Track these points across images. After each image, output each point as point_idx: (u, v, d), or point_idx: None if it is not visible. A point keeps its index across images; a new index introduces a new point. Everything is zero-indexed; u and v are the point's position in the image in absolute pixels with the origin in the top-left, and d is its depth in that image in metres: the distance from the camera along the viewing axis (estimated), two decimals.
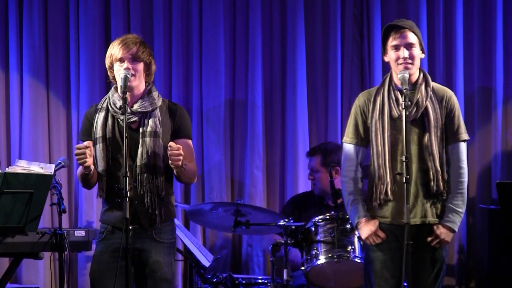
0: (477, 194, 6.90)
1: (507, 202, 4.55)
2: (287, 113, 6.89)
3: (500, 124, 6.88)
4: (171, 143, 4.35)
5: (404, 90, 4.48)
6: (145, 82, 4.55)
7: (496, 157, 6.87)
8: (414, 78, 4.64)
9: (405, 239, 4.38)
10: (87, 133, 4.56)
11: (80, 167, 4.44)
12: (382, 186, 4.59)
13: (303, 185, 6.72)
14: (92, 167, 4.41)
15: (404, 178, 4.41)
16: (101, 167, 4.47)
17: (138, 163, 4.44)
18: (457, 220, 4.61)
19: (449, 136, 4.65)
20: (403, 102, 4.47)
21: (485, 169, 6.92)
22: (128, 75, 4.41)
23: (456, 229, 4.62)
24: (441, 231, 4.59)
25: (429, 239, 4.58)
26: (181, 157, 4.33)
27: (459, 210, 4.61)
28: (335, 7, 6.91)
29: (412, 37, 4.62)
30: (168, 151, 4.34)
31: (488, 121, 6.94)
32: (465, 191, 4.65)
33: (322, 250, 5.41)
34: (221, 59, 6.81)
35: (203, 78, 6.82)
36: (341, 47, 6.94)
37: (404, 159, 4.42)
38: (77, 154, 4.33)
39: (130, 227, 4.38)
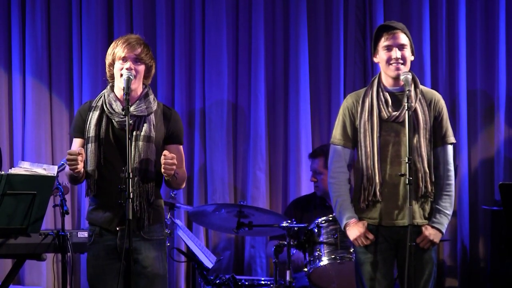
0: (480, 195, 6.89)
1: (509, 204, 4.55)
2: (289, 115, 6.89)
3: (502, 125, 6.88)
4: (166, 152, 4.34)
5: (407, 91, 4.48)
6: (142, 84, 4.55)
7: (499, 158, 6.86)
8: None
9: (408, 240, 4.38)
10: (79, 130, 4.54)
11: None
12: (370, 187, 4.58)
13: (306, 187, 6.72)
14: (82, 170, 4.39)
15: (407, 180, 4.41)
16: (91, 166, 4.44)
17: (130, 166, 4.43)
18: (444, 222, 4.60)
19: (437, 139, 4.65)
20: (406, 103, 4.47)
21: (487, 171, 6.91)
22: (131, 77, 4.39)
23: (444, 231, 4.60)
24: (429, 232, 4.57)
25: (418, 240, 4.57)
26: (174, 167, 4.33)
27: (447, 212, 4.61)
28: (338, 9, 6.91)
29: (404, 38, 4.62)
30: (161, 160, 4.33)
31: (490, 122, 6.93)
32: (453, 193, 4.64)
33: (325, 251, 5.42)
34: (223, 61, 6.81)
35: (205, 79, 6.82)
36: (344, 49, 6.94)
37: (407, 160, 4.42)
38: (68, 160, 4.32)
39: (118, 228, 4.38)
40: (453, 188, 4.64)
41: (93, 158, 4.45)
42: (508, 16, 6.91)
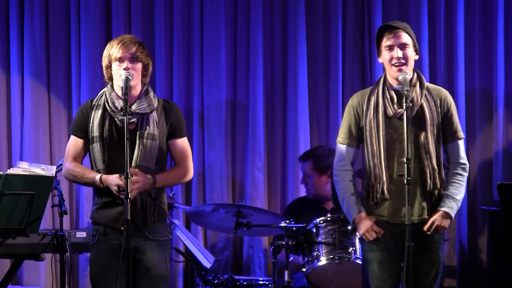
0: (478, 195, 6.89)
1: (508, 204, 4.55)
2: (288, 114, 6.89)
3: (501, 125, 6.87)
4: (132, 171, 4.37)
5: (406, 91, 4.49)
6: (141, 82, 4.56)
7: (497, 158, 6.86)
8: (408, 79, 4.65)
9: (407, 241, 4.38)
10: (78, 128, 4.57)
11: (94, 178, 4.45)
12: (378, 185, 4.60)
13: (304, 187, 6.71)
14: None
15: (406, 180, 4.41)
16: (100, 166, 4.49)
17: (133, 164, 4.46)
18: (454, 206, 4.60)
19: (447, 135, 4.67)
20: (404, 104, 4.48)
21: (486, 170, 6.91)
22: (130, 77, 4.41)
23: (453, 215, 4.60)
24: (436, 217, 4.57)
25: (426, 228, 4.57)
26: (137, 185, 4.37)
27: (457, 197, 4.61)
28: (336, 8, 6.91)
29: (405, 38, 4.63)
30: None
31: (489, 122, 6.93)
32: (464, 184, 4.66)
33: (323, 251, 5.42)
34: (222, 61, 6.81)
35: (204, 79, 6.82)
36: (342, 48, 6.94)
37: (405, 160, 4.42)
38: (121, 189, 4.35)
39: (122, 228, 4.39)
40: (465, 179, 4.67)
41: (99, 157, 4.49)
42: (506, 16, 6.90)
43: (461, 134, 4.71)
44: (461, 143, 4.70)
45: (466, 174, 4.68)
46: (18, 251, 4.82)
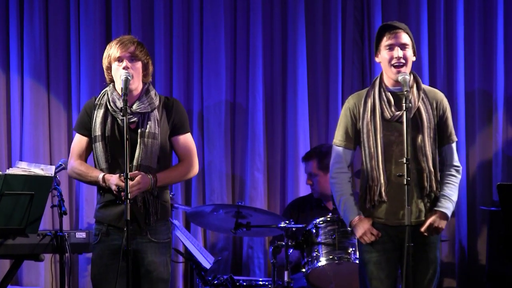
0: (478, 196, 6.88)
1: (508, 204, 4.55)
2: (287, 115, 6.89)
3: (500, 125, 6.87)
4: (132, 174, 4.40)
5: (405, 92, 4.49)
6: (142, 82, 4.56)
7: (497, 158, 6.86)
8: None
9: (406, 241, 4.38)
10: (82, 126, 4.58)
11: (97, 178, 4.47)
12: (376, 188, 4.59)
13: (304, 187, 6.71)
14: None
15: (405, 180, 4.41)
16: (103, 165, 4.50)
17: (135, 163, 4.46)
18: (450, 207, 4.61)
19: (443, 137, 4.68)
20: (404, 104, 4.47)
21: (485, 171, 6.90)
22: (129, 77, 4.41)
23: (449, 215, 4.60)
24: (433, 218, 4.57)
25: (423, 229, 4.57)
26: (137, 186, 4.39)
27: (452, 198, 4.62)
28: (336, 9, 6.91)
29: (406, 38, 4.63)
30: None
31: (489, 123, 6.92)
32: (457, 185, 4.67)
33: (323, 252, 5.42)
34: (221, 61, 6.81)
35: (204, 80, 6.82)
36: (342, 49, 6.94)
37: (405, 161, 4.42)
38: (121, 189, 4.36)
39: (124, 228, 4.40)
40: (459, 181, 4.68)
41: (103, 156, 4.50)
42: (506, 16, 6.90)
43: (455, 137, 4.72)
44: (455, 146, 4.72)
45: (459, 177, 4.70)
46: (18, 251, 4.83)
